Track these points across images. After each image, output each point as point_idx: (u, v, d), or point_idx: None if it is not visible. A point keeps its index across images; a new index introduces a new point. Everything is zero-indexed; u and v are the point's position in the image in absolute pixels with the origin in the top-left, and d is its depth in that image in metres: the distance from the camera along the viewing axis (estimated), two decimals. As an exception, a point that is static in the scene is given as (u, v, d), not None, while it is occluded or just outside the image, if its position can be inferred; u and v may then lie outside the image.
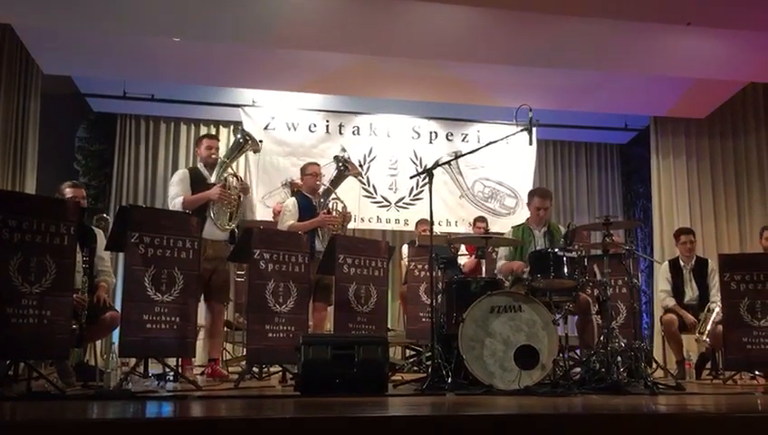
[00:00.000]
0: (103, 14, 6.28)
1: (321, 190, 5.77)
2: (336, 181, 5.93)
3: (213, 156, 5.35)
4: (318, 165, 5.92)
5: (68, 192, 4.71)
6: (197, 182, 5.23)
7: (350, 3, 6.56)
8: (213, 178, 5.27)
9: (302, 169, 5.92)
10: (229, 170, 5.34)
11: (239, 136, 5.67)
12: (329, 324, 5.67)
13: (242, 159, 7.63)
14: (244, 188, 5.45)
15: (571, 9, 6.51)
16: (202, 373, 5.28)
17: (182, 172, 5.40)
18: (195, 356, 4.95)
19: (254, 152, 6.11)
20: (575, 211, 9.71)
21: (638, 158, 9.63)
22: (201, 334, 5.62)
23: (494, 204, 8.75)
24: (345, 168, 5.97)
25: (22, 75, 6.77)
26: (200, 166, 5.38)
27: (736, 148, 8.75)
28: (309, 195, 5.74)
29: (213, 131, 8.96)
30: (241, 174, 7.52)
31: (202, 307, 5.13)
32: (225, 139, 8.59)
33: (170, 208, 5.14)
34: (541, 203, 5.22)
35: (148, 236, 4.17)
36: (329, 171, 6.11)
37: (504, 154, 8.53)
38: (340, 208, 5.80)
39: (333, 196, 5.82)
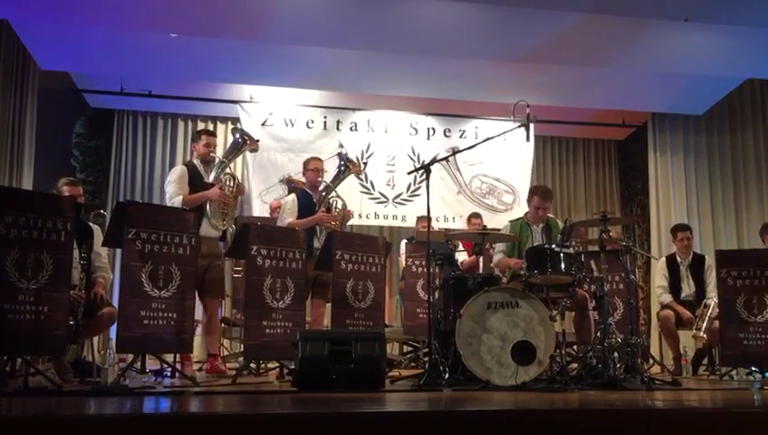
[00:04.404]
0: (100, 9, 6.26)
1: (321, 187, 5.76)
2: (337, 178, 5.91)
3: (211, 153, 5.26)
4: (320, 160, 5.88)
5: (65, 190, 4.70)
6: (195, 180, 5.13)
7: (349, -2, 6.56)
8: (211, 178, 5.18)
9: (305, 164, 5.90)
10: (227, 171, 5.28)
11: (237, 136, 5.53)
12: (327, 320, 5.68)
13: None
14: (240, 189, 5.40)
15: (568, 5, 6.52)
16: (200, 369, 5.29)
17: (180, 169, 5.23)
18: (192, 352, 4.94)
19: (252, 151, 5.99)
20: (572, 207, 9.71)
21: (636, 154, 9.62)
22: (198, 330, 5.62)
23: (491, 200, 8.74)
24: (347, 166, 5.95)
25: (18, 71, 6.75)
26: (196, 162, 5.25)
27: (734, 144, 8.76)
28: (310, 191, 5.72)
29: (210, 127, 8.93)
30: (238, 170, 7.51)
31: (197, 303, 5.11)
32: (223, 135, 8.60)
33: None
34: (540, 203, 5.24)
35: (145, 232, 4.16)
36: (332, 166, 6.10)
37: (501, 150, 8.51)
38: (339, 206, 5.80)
39: (333, 193, 5.81)
